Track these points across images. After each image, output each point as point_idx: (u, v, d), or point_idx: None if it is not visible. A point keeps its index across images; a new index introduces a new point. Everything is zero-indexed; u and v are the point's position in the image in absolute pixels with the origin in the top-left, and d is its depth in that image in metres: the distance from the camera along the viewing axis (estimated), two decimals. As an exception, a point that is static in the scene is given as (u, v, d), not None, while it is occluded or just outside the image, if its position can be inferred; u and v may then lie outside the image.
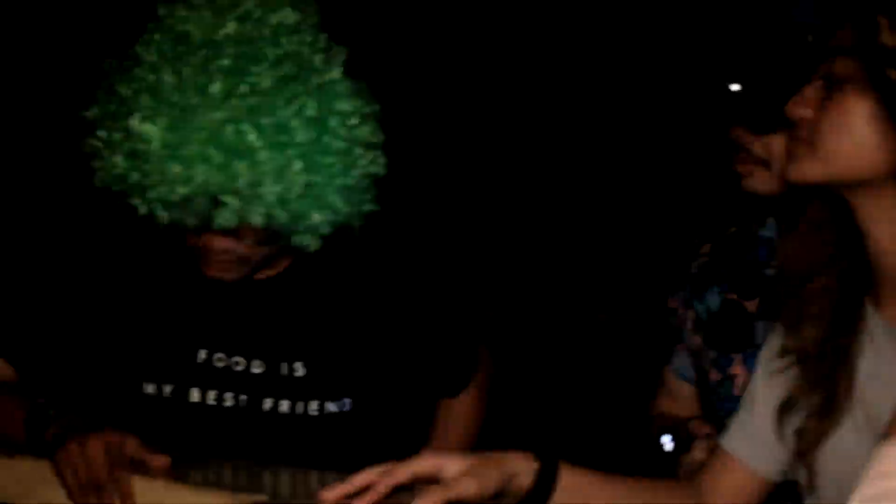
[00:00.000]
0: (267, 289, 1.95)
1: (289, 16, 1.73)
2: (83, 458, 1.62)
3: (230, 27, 1.69)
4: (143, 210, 1.72)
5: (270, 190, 1.67)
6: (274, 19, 1.72)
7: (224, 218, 1.69)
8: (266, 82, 1.66)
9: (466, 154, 4.80)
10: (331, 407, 1.97)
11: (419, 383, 2.18)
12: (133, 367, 1.93)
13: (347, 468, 1.58)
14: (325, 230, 1.77)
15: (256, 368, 1.94)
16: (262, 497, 1.52)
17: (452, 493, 1.45)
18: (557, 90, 4.81)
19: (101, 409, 1.77)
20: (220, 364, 1.94)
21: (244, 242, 1.78)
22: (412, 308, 2.05)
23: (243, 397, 1.94)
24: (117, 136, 1.69)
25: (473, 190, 4.79)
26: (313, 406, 1.95)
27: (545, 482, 1.54)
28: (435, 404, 2.26)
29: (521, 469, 1.54)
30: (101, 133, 1.72)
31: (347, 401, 1.99)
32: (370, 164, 1.78)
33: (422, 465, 1.48)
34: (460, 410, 2.22)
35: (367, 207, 1.82)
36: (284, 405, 1.94)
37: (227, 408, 1.93)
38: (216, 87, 1.64)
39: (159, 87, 1.66)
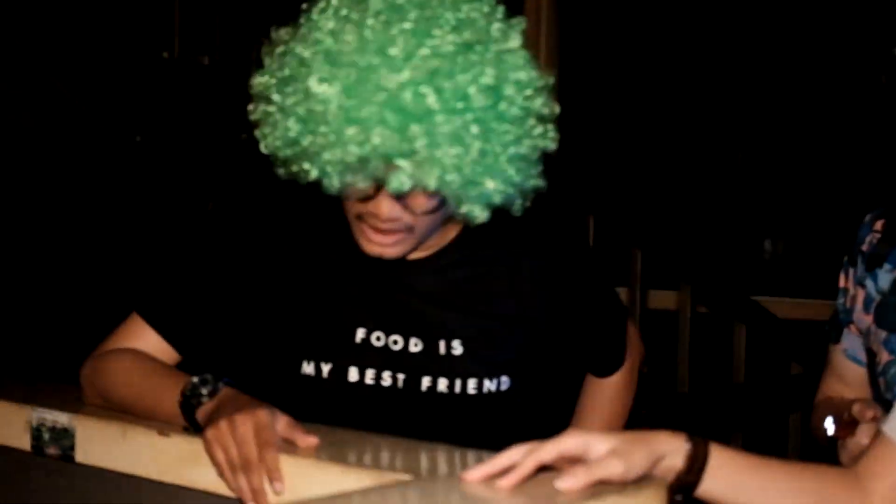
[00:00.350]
0: (425, 266, 1.93)
1: None
2: (233, 437, 1.60)
3: None
4: (313, 174, 1.72)
5: (446, 153, 1.66)
6: None
7: (398, 181, 1.67)
8: (447, 47, 1.65)
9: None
10: (489, 385, 1.93)
11: (575, 361, 2.14)
12: (292, 346, 1.93)
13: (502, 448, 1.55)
14: (497, 199, 1.75)
15: (414, 347, 1.92)
16: (407, 476, 1.49)
17: (598, 474, 1.39)
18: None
19: (259, 389, 1.76)
20: (379, 343, 1.92)
21: (412, 211, 1.75)
22: (572, 284, 2.01)
23: (401, 376, 1.92)
24: (292, 99, 1.69)
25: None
26: (471, 385, 1.92)
27: (696, 464, 1.48)
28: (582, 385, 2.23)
29: (671, 449, 1.47)
30: (276, 97, 1.72)
31: (505, 379, 1.96)
32: (542, 136, 1.76)
33: (567, 443, 1.43)
34: (610, 391, 2.18)
35: (535, 182, 1.78)
36: (442, 384, 1.91)
37: (385, 387, 1.91)
38: (397, 49, 1.64)
39: (339, 49, 1.66)
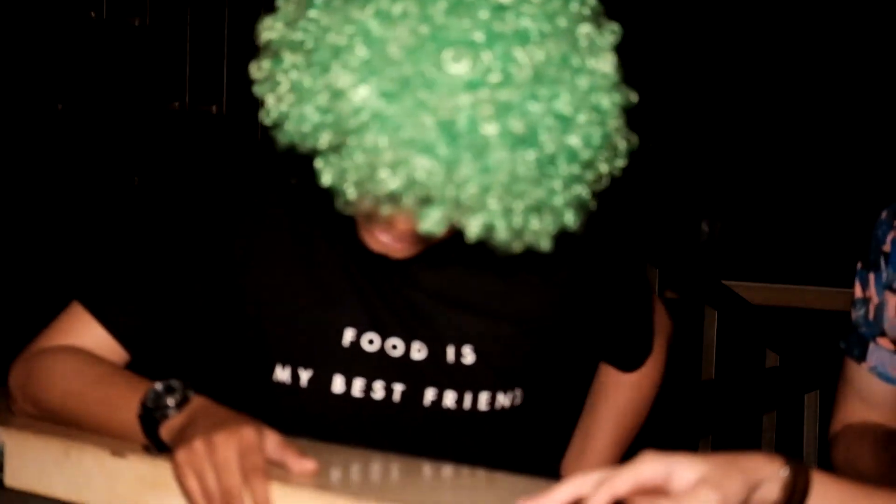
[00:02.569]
0: (433, 258, 1.59)
1: None
2: (211, 461, 1.28)
3: None
4: (325, 181, 1.31)
5: (497, 199, 1.28)
6: None
7: (432, 222, 1.29)
8: (526, 72, 1.26)
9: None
10: (502, 400, 1.64)
11: (595, 355, 1.86)
12: (264, 346, 1.60)
13: (514, 467, 1.35)
14: (542, 244, 1.37)
15: (417, 353, 1.60)
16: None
17: None
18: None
19: (222, 399, 1.43)
20: (371, 347, 1.60)
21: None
22: (596, 276, 1.71)
23: (398, 388, 1.60)
24: (312, 82, 1.29)
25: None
26: (483, 399, 1.63)
27: (796, 495, 1.19)
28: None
29: (767, 476, 1.18)
30: (290, 71, 1.31)
31: (519, 392, 1.67)
32: (609, 164, 1.38)
33: (647, 471, 1.14)
34: (631, 389, 1.90)
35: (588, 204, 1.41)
36: (449, 398, 1.61)
37: (377, 401, 1.60)
38: (462, 68, 1.24)
39: (384, 37, 1.26)
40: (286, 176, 1.61)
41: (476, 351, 1.62)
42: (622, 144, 1.39)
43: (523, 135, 1.26)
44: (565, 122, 1.29)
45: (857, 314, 1.90)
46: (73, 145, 4.19)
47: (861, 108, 5.25)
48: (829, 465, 1.86)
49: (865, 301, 1.88)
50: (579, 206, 1.37)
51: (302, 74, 1.30)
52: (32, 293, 3.79)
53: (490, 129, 1.24)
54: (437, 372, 1.61)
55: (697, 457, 1.18)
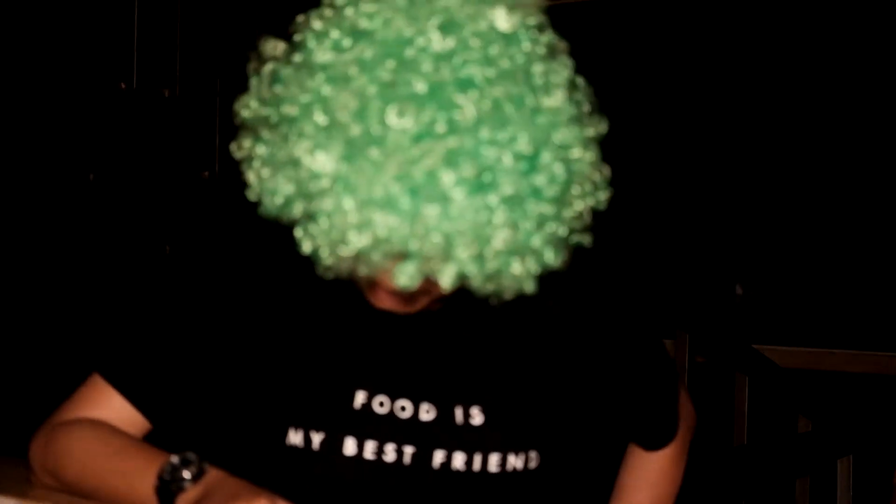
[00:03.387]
0: (439, 319, 1.61)
1: (504, 19, 1.34)
2: (226, 534, 1.28)
3: (431, 36, 1.30)
4: (305, 249, 1.35)
5: (465, 246, 1.30)
6: (484, 24, 1.33)
7: (406, 276, 1.32)
8: (469, 116, 1.28)
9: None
10: (514, 462, 1.61)
11: (620, 430, 1.83)
12: (277, 410, 1.59)
13: None
14: (527, 287, 1.38)
15: (426, 414, 1.59)
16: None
17: None
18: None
19: (235, 463, 1.43)
20: (382, 409, 1.58)
21: (427, 282, 1.41)
22: (618, 336, 1.70)
23: (408, 450, 1.58)
24: (280, 156, 1.34)
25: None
26: (493, 461, 1.59)
27: None
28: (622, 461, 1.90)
29: None
30: (259, 147, 1.37)
31: (534, 455, 1.64)
32: (589, 198, 1.40)
33: None
34: (658, 467, 1.86)
35: (578, 241, 1.42)
36: (458, 460, 1.58)
37: (388, 463, 1.58)
38: (406, 122, 1.27)
39: (335, 106, 1.30)
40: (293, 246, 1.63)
41: (484, 411, 1.60)
42: (597, 177, 1.40)
43: (481, 180, 1.28)
44: (527, 162, 1.31)
45: None
46: (105, 215, 4.21)
47: (884, 167, 5.22)
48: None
49: None
50: (559, 245, 1.38)
51: (271, 147, 1.35)
52: (51, 360, 3.79)
53: (446, 178, 1.27)
54: (446, 433, 1.59)
55: None
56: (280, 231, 1.49)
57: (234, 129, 4.32)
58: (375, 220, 1.27)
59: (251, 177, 1.39)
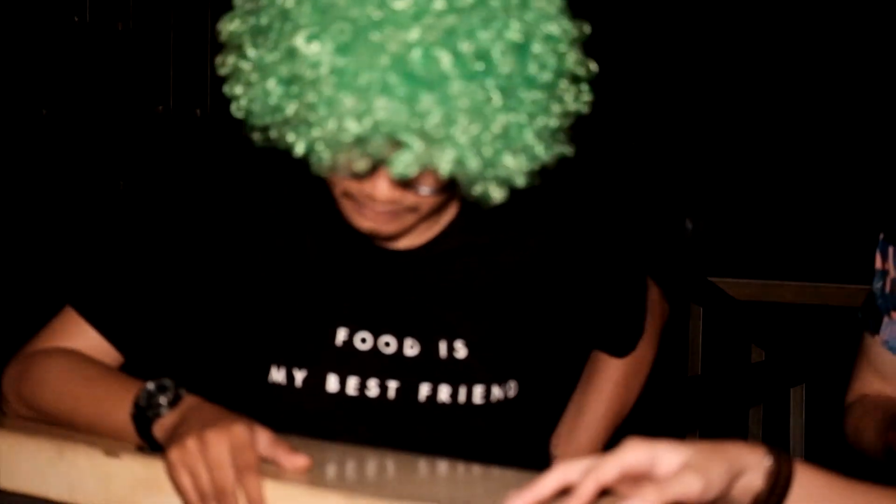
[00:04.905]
0: (420, 256, 1.63)
1: None
2: (204, 459, 1.29)
3: None
4: (299, 149, 1.37)
5: (463, 130, 1.32)
6: None
7: (403, 164, 1.34)
8: None
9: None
10: (497, 393, 1.64)
11: (586, 340, 1.87)
12: (259, 348, 1.61)
13: (510, 460, 1.35)
14: (519, 181, 1.42)
15: (410, 349, 1.61)
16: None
17: (672, 494, 1.11)
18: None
19: (218, 400, 1.44)
20: (364, 345, 1.60)
21: (416, 191, 1.45)
22: (584, 256, 1.72)
23: (392, 384, 1.60)
24: (272, 56, 1.36)
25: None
26: (478, 392, 1.62)
27: (779, 484, 1.20)
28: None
29: (750, 464, 1.19)
30: (251, 52, 1.38)
31: (513, 384, 1.67)
32: (575, 100, 1.44)
33: (631, 457, 1.15)
34: (620, 373, 1.90)
35: (562, 150, 1.46)
36: (444, 393, 1.61)
37: (371, 399, 1.60)
38: (403, 2, 1.30)
39: None
40: (274, 176, 1.63)
41: (468, 344, 1.63)
42: (582, 73, 1.44)
43: (478, 63, 1.32)
44: (519, 51, 1.36)
45: (875, 286, 1.89)
46: (59, 149, 4.18)
47: (840, 102, 5.26)
48: (816, 460, 1.87)
49: (884, 273, 1.88)
50: (549, 138, 1.43)
51: (261, 51, 1.38)
52: (19, 296, 3.78)
53: (443, 58, 1.30)
54: (431, 367, 1.61)
55: (681, 443, 1.18)
56: (259, 162, 1.50)
57: (188, 63, 4.32)
58: (374, 105, 1.30)
59: (238, 89, 1.41)
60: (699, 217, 5.65)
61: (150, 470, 1.37)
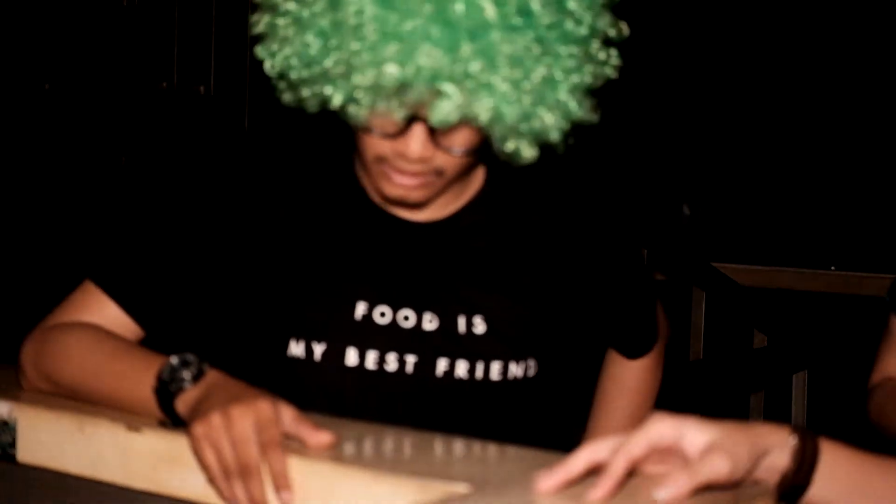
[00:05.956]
0: (441, 230, 1.62)
1: None
2: (228, 435, 1.28)
3: None
4: (337, 100, 1.40)
5: (503, 79, 1.35)
6: None
7: (444, 112, 1.36)
8: None
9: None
10: (515, 370, 1.63)
11: (604, 339, 1.87)
12: (278, 321, 1.60)
13: (526, 440, 1.34)
14: (552, 136, 1.45)
15: (429, 324, 1.60)
16: (462, 486, 1.18)
17: (702, 477, 1.11)
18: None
19: (236, 373, 1.43)
20: (383, 319, 1.60)
21: (447, 150, 1.45)
22: (608, 251, 1.73)
23: (411, 359, 1.60)
24: (313, 8, 1.38)
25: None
26: (495, 369, 1.62)
27: (806, 462, 1.20)
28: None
29: (775, 444, 1.19)
30: (290, 6, 1.40)
31: (532, 363, 1.66)
32: (605, 63, 1.47)
33: (659, 431, 1.15)
34: (638, 376, 1.90)
35: (590, 117, 1.48)
36: (461, 368, 1.60)
37: (390, 372, 1.60)
38: None
39: None
40: (295, 149, 1.63)
41: (487, 321, 1.62)
42: (613, 34, 1.48)
43: (518, 15, 1.36)
44: (557, 6, 1.40)
45: None
46: (61, 124, 4.17)
47: (844, 84, 5.26)
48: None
49: None
50: (582, 96, 1.46)
51: (300, 5, 1.40)
52: (24, 270, 3.77)
53: (487, 8, 1.34)
54: (449, 342, 1.61)
55: (707, 421, 1.18)
56: (279, 135, 1.50)
57: (192, 40, 4.30)
58: (418, 51, 1.33)
59: (274, 46, 1.43)
60: (696, 202, 5.65)
61: (172, 445, 1.37)
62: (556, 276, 1.68)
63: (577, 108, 1.45)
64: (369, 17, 1.34)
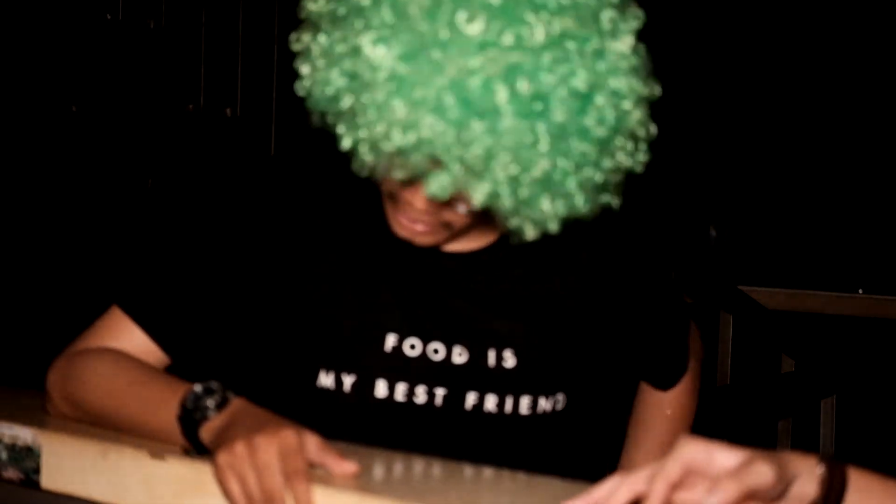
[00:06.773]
0: (472, 263, 1.61)
1: None
2: (252, 464, 1.27)
3: None
4: (344, 145, 1.36)
5: (503, 167, 1.30)
6: None
7: (438, 185, 1.32)
8: (537, 38, 1.28)
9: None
10: (544, 405, 1.62)
11: (633, 371, 1.85)
12: (307, 352, 1.59)
13: (555, 472, 1.33)
14: (551, 226, 1.40)
15: (459, 357, 1.59)
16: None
17: (750, 482, 1.11)
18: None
19: (264, 404, 1.42)
20: (413, 351, 1.58)
21: (453, 208, 1.43)
22: (637, 281, 1.71)
23: (440, 392, 1.59)
24: (340, 48, 1.35)
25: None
26: (524, 404, 1.61)
27: (833, 491, 1.18)
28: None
29: (803, 471, 1.17)
30: (321, 38, 1.37)
31: (561, 397, 1.65)
32: (628, 157, 1.40)
33: (691, 453, 1.14)
34: (670, 407, 1.88)
35: (606, 201, 1.43)
36: (490, 402, 1.59)
37: (419, 405, 1.58)
38: (474, 28, 1.27)
39: (406, 6, 1.30)
40: (325, 177, 1.62)
41: (517, 355, 1.61)
42: (642, 134, 1.41)
43: (534, 104, 1.29)
44: (580, 100, 1.32)
45: None
46: (88, 146, 4.18)
47: (870, 109, 5.23)
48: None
49: None
50: (592, 190, 1.40)
51: (332, 40, 1.36)
52: (55, 295, 3.77)
53: (500, 92, 1.28)
54: (479, 376, 1.59)
55: (734, 447, 1.17)
56: (309, 162, 1.49)
57: (219, 62, 4.31)
58: (423, 121, 1.29)
59: (305, 69, 1.40)
60: (723, 225, 5.62)
61: (195, 473, 1.36)
62: (588, 309, 1.66)
63: (584, 202, 1.39)
64: (384, 75, 1.30)
